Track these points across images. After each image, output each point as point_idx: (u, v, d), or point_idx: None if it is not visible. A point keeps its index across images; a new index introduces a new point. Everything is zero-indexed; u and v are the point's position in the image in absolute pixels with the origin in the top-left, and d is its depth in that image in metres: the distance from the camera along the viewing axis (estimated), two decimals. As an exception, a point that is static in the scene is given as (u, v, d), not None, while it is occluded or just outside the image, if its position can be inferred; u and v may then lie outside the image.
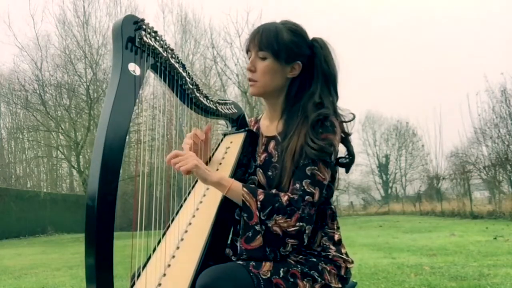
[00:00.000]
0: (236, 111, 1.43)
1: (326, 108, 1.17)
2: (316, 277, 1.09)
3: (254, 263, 1.06)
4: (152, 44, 1.06)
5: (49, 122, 17.34)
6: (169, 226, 1.24)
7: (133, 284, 1.10)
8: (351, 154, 1.25)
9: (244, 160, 1.28)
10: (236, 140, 1.34)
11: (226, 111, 1.39)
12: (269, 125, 1.32)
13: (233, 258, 1.22)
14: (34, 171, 23.81)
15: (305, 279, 1.08)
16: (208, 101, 1.31)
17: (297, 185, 1.10)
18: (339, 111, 1.23)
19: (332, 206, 1.24)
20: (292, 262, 1.10)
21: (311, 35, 1.27)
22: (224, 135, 1.43)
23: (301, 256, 1.13)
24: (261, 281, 1.02)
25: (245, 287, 1.00)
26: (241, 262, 1.06)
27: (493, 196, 14.30)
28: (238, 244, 1.12)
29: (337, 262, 1.15)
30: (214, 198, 1.21)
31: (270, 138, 1.29)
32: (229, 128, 1.45)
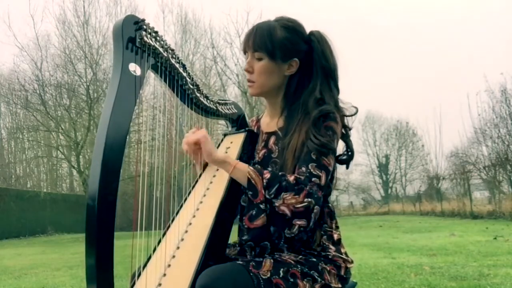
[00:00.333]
0: (236, 111, 1.44)
1: (327, 104, 1.17)
2: (316, 277, 1.09)
3: (254, 263, 1.06)
4: (152, 44, 1.06)
5: (49, 122, 17.34)
6: (169, 226, 1.24)
7: (133, 284, 1.10)
8: (350, 149, 1.25)
9: (244, 158, 1.29)
10: (236, 140, 1.34)
11: (226, 111, 1.39)
12: (269, 121, 1.32)
13: (233, 248, 1.22)
14: (34, 171, 23.82)
15: (305, 279, 1.08)
16: (209, 101, 1.31)
17: (303, 168, 1.10)
18: (341, 105, 1.22)
19: (330, 205, 1.23)
20: (292, 262, 1.10)
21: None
22: (225, 135, 1.44)
23: (301, 256, 1.13)
24: (261, 281, 1.02)
25: (245, 287, 1.00)
26: (241, 262, 1.06)
27: (493, 196, 14.30)
28: (242, 223, 1.11)
29: (337, 262, 1.15)
30: (214, 198, 1.21)
31: (270, 134, 1.29)
32: (229, 128, 1.45)
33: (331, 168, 1.13)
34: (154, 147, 1.31)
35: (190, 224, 1.20)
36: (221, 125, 1.60)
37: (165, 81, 1.15)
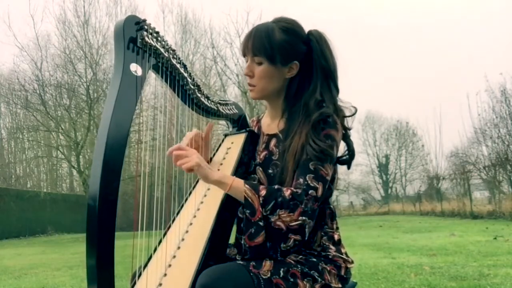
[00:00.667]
0: (237, 111, 1.44)
1: (326, 107, 1.16)
2: (316, 277, 1.09)
3: (254, 263, 1.06)
4: (153, 44, 1.06)
5: (49, 122, 17.34)
6: (170, 226, 1.24)
7: (134, 283, 1.10)
8: (351, 150, 1.24)
9: (245, 159, 1.29)
10: (237, 141, 1.34)
11: (227, 111, 1.39)
12: (270, 123, 1.32)
13: (237, 257, 1.22)
14: (34, 171, 23.83)
15: (305, 279, 1.08)
16: (209, 101, 1.31)
17: (301, 180, 1.10)
18: (341, 104, 1.22)
19: (331, 206, 1.24)
20: (292, 262, 1.10)
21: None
22: (225, 135, 1.44)
23: (301, 256, 1.13)
24: (261, 281, 1.02)
25: (245, 287, 1.00)
26: (241, 262, 1.07)
27: (493, 196, 14.31)
28: (242, 242, 1.11)
29: (337, 262, 1.15)
30: (215, 198, 1.21)
31: (271, 136, 1.28)
32: (230, 129, 1.45)
33: (329, 178, 1.13)
34: (155, 147, 1.31)
35: (191, 224, 1.20)
36: (222, 125, 1.60)
37: (166, 81, 1.15)
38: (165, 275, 1.09)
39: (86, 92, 16.77)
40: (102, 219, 0.92)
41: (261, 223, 1.07)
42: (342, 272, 1.15)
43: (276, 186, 1.11)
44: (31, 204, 16.77)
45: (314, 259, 1.13)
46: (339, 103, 1.22)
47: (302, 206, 1.06)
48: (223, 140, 1.43)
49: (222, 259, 1.15)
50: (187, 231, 1.19)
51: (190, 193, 1.33)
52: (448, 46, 41.61)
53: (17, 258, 7.65)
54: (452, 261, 4.51)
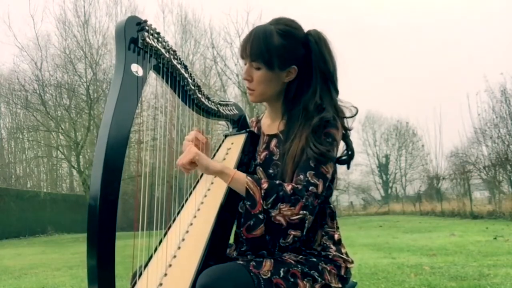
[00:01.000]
0: (237, 112, 1.44)
1: (326, 111, 1.16)
2: (316, 277, 1.09)
3: (254, 263, 1.06)
4: (154, 45, 1.06)
5: (49, 122, 17.34)
6: (170, 226, 1.24)
7: (135, 283, 1.10)
8: (350, 150, 1.25)
9: (245, 159, 1.29)
10: (237, 141, 1.34)
11: (227, 112, 1.40)
12: (270, 123, 1.32)
13: (234, 253, 1.23)
14: (34, 171, 23.84)
15: (305, 279, 1.08)
16: (210, 102, 1.31)
17: (301, 176, 1.10)
18: (340, 104, 1.22)
19: (331, 206, 1.24)
20: (293, 262, 1.10)
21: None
22: (225, 136, 1.44)
23: (301, 256, 1.13)
24: (261, 281, 1.02)
25: (245, 287, 1.00)
26: (241, 262, 1.07)
27: (493, 196, 14.31)
28: (240, 233, 1.12)
29: (337, 262, 1.16)
30: (215, 198, 1.21)
31: (271, 136, 1.29)
32: (230, 129, 1.46)
33: (329, 176, 1.13)
34: (155, 147, 1.31)
35: (191, 224, 1.21)
36: (222, 125, 1.60)
37: (166, 82, 1.16)
38: (166, 275, 1.09)
39: (86, 92, 16.77)
40: (103, 219, 0.92)
41: (260, 216, 1.07)
42: (342, 272, 1.15)
43: (277, 181, 1.11)
44: (31, 204, 16.78)
45: (314, 259, 1.13)
46: (339, 103, 1.22)
47: (303, 200, 1.06)
48: (223, 141, 1.43)
49: (222, 259, 1.15)
50: (187, 231, 1.19)
51: (191, 193, 1.33)
52: (448, 46, 41.65)
53: (17, 258, 7.65)
54: (452, 261, 4.51)
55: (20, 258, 7.61)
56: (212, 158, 1.37)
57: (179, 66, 1.17)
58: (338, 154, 1.23)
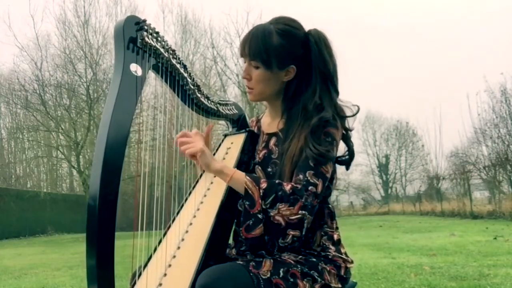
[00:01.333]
0: (237, 112, 1.44)
1: (326, 111, 1.15)
2: (316, 277, 1.09)
3: (254, 263, 1.06)
4: (153, 44, 1.06)
5: (49, 122, 17.33)
6: (169, 226, 1.24)
7: (134, 283, 1.10)
8: (350, 151, 1.24)
9: (245, 159, 1.29)
10: (237, 141, 1.34)
11: (227, 112, 1.40)
12: (270, 122, 1.32)
13: (233, 251, 1.23)
14: (34, 171, 23.84)
15: (305, 279, 1.08)
16: (209, 101, 1.31)
17: (301, 176, 1.10)
18: (341, 103, 1.21)
19: (330, 206, 1.24)
20: (292, 262, 1.10)
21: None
22: (225, 135, 1.44)
23: (301, 256, 1.13)
24: (261, 281, 1.02)
25: (245, 287, 1.00)
26: (241, 262, 1.07)
27: (493, 196, 14.31)
28: (239, 233, 1.12)
29: (337, 262, 1.15)
30: (215, 198, 1.21)
31: (271, 135, 1.28)
32: (230, 129, 1.45)
33: (328, 176, 1.13)
34: (155, 147, 1.31)
35: (191, 224, 1.20)
36: (222, 125, 1.60)
37: (166, 81, 1.16)
38: (165, 275, 1.09)
39: (86, 92, 16.77)
40: (102, 219, 0.92)
41: (259, 216, 1.07)
42: (342, 272, 1.15)
43: (276, 180, 1.11)
44: (31, 204, 16.78)
45: (314, 259, 1.13)
46: (340, 102, 1.22)
47: (302, 200, 1.06)
48: (222, 140, 1.43)
49: (222, 259, 1.15)
50: (187, 231, 1.19)
51: (190, 193, 1.33)
52: (448, 46, 41.65)
53: (17, 258, 7.65)
54: (452, 261, 4.51)
55: (20, 258, 7.61)
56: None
57: (178, 65, 1.17)
58: (339, 154, 1.23)
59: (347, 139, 1.23)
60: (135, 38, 1.03)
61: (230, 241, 1.23)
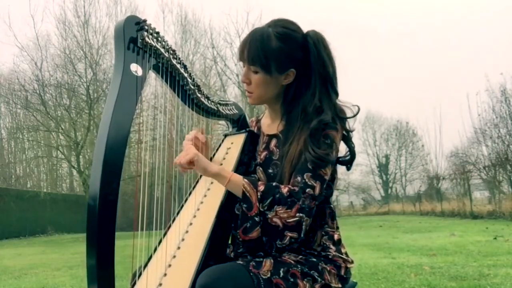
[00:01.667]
0: (237, 112, 1.44)
1: (325, 114, 1.15)
2: (316, 277, 1.09)
3: (254, 263, 1.06)
4: (154, 44, 1.06)
5: (49, 122, 17.33)
6: (170, 226, 1.24)
7: (134, 283, 1.10)
8: (351, 152, 1.24)
9: (245, 159, 1.29)
10: (237, 141, 1.34)
11: (227, 112, 1.40)
12: (270, 123, 1.32)
13: (232, 254, 1.23)
14: (34, 171, 23.84)
15: (305, 279, 1.08)
16: (209, 101, 1.31)
17: (298, 178, 1.10)
18: (341, 104, 1.21)
19: (331, 206, 1.24)
20: (292, 262, 1.10)
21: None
22: (225, 135, 1.44)
23: (301, 256, 1.13)
24: (261, 281, 1.02)
25: (245, 287, 1.00)
26: (241, 262, 1.07)
27: (493, 196, 14.31)
28: (236, 235, 1.12)
29: (337, 262, 1.15)
30: (215, 198, 1.21)
31: (271, 137, 1.28)
32: (230, 129, 1.46)
33: (327, 178, 1.13)
34: (155, 147, 1.31)
35: (191, 224, 1.20)
36: (222, 125, 1.60)
37: (166, 81, 1.16)
38: (165, 275, 1.09)
39: (86, 92, 16.77)
40: (102, 219, 0.92)
41: (256, 219, 1.07)
42: (342, 272, 1.15)
43: (274, 183, 1.11)
44: (31, 204, 16.77)
45: (314, 259, 1.13)
46: (339, 103, 1.21)
47: (300, 203, 1.06)
48: (223, 140, 1.43)
49: (222, 259, 1.15)
50: (187, 231, 1.19)
51: (190, 193, 1.33)
52: (448, 46, 41.64)
53: (17, 258, 7.65)
54: (452, 261, 4.51)
55: (20, 258, 7.61)
56: (212, 158, 1.37)
57: (178, 65, 1.17)
58: (340, 155, 1.22)
59: (348, 140, 1.23)
60: (135, 38, 1.03)
61: (230, 241, 1.23)
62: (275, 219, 1.06)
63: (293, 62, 1.19)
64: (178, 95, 1.22)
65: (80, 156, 17.27)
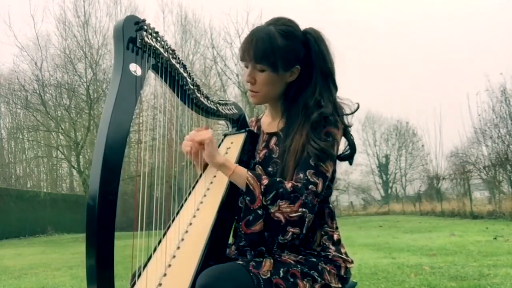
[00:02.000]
0: (237, 111, 1.44)
1: (325, 107, 1.16)
2: (316, 277, 1.09)
3: (254, 263, 1.06)
4: (153, 44, 1.06)
5: (49, 122, 17.33)
6: (169, 226, 1.24)
7: (134, 283, 1.10)
8: (351, 144, 1.24)
9: (244, 158, 1.29)
10: (237, 141, 1.34)
11: (227, 111, 1.40)
12: (270, 122, 1.32)
13: (233, 248, 1.23)
14: (34, 171, 23.84)
15: (305, 279, 1.08)
16: (209, 101, 1.31)
17: (301, 175, 1.10)
18: (340, 101, 1.22)
19: (331, 205, 1.24)
20: (292, 262, 1.10)
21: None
22: (225, 135, 1.44)
23: (301, 256, 1.13)
24: (261, 281, 1.02)
25: (245, 287, 1.00)
26: (241, 262, 1.07)
27: (493, 196, 14.31)
28: (238, 228, 1.12)
29: (337, 262, 1.16)
30: (215, 198, 1.21)
31: (271, 135, 1.29)
32: (230, 129, 1.46)
33: (329, 175, 1.13)
34: (154, 147, 1.31)
35: (191, 224, 1.20)
36: (221, 125, 1.60)
37: (165, 81, 1.16)
38: (165, 275, 1.09)
39: (86, 92, 16.76)
40: (102, 219, 0.92)
41: (259, 212, 1.08)
42: (342, 272, 1.15)
43: (278, 178, 1.12)
44: (31, 204, 16.77)
45: (314, 259, 1.13)
46: (338, 100, 1.22)
47: (303, 198, 1.07)
48: (222, 140, 1.43)
49: (222, 259, 1.15)
50: (186, 231, 1.19)
51: (190, 193, 1.33)
52: (448, 46, 41.65)
53: (17, 258, 7.65)
54: (452, 261, 4.51)
55: (20, 258, 7.61)
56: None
57: (177, 65, 1.17)
58: (340, 152, 1.23)
59: (346, 133, 1.23)
60: (134, 38, 1.03)
61: (230, 240, 1.23)
62: (277, 214, 1.06)
63: (298, 59, 1.21)
64: (177, 95, 1.22)
65: (80, 156, 17.27)
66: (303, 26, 1.25)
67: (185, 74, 1.20)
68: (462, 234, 7.56)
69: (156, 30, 1.08)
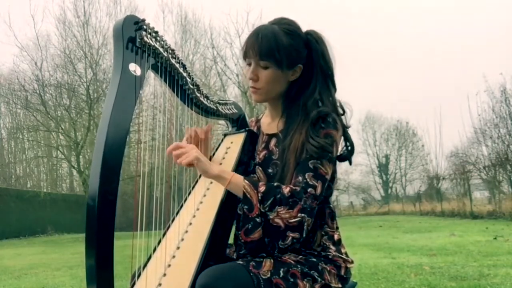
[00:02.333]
0: (237, 111, 1.44)
1: (325, 106, 1.18)
2: (316, 277, 1.09)
3: (254, 263, 1.06)
4: (152, 44, 1.06)
5: (49, 122, 17.33)
6: (169, 226, 1.24)
7: (134, 283, 1.10)
8: (350, 143, 1.25)
9: (244, 159, 1.29)
10: (237, 140, 1.34)
11: (227, 111, 1.39)
12: (270, 122, 1.33)
13: (234, 255, 1.23)
14: (34, 171, 23.84)
15: (305, 279, 1.08)
16: (209, 101, 1.31)
17: (300, 178, 1.10)
18: (338, 103, 1.24)
19: (331, 206, 1.24)
20: (292, 262, 1.10)
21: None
22: (225, 135, 1.44)
23: (301, 256, 1.13)
24: (261, 281, 1.02)
25: (245, 287, 1.00)
26: (241, 262, 1.07)
27: (493, 196, 14.30)
28: (238, 237, 1.12)
29: (337, 262, 1.15)
30: (214, 198, 1.21)
31: (271, 136, 1.29)
32: (230, 129, 1.45)
33: (328, 177, 1.14)
34: (154, 147, 1.31)
35: (190, 224, 1.20)
36: (221, 125, 1.60)
37: (165, 81, 1.15)
38: (165, 275, 1.09)
39: (86, 92, 16.77)
40: (102, 219, 0.91)
41: (258, 220, 1.07)
42: (342, 272, 1.15)
43: (275, 183, 1.11)
44: (31, 204, 16.76)
45: (314, 259, 1.13)
46: (337, 100, 1.24)
47: (301, 203, 1.06)
48: (222, 140, 1.43)
49: (222, 259, 1.15)
50: (186, 231, 1.19)
51: (190, 193, 1.33)
52: (448, 46, 41.64)
53: (17, 258, 7.64)
54: (452, 261, 4.51)
55: (20, 258, 7.61)
56: (211, 158, 1.37)
57: (177, 65, 1.16)
58: (339, 152, 1.23)
59: (345, 133, 1.24)
60: (134, 37, 1.03)
61: (230, 240, 1.23)
62: (276, 220, 1.06)
63: (301, 58, 1.22)
64: (177, 95, 1.22)
65: (80, 156, 17.28)
66: (303, 27, 1.26)
67: (184, 74, 1.20)
68: (462, 234, 7.56)
69: (155, 30, 1.08)
